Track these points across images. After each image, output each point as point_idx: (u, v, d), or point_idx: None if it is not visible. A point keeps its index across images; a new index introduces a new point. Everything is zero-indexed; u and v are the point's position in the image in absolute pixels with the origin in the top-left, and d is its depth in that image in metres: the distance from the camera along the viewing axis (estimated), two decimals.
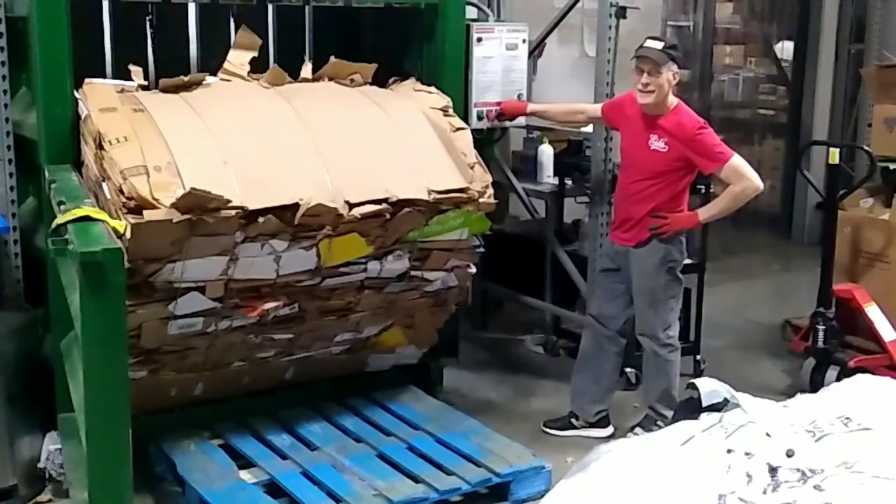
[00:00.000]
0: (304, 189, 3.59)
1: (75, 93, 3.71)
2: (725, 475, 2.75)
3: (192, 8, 4.36)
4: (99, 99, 3.63)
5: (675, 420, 3.32)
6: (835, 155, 4.98)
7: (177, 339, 3.69)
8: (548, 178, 5.62)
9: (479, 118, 4.61)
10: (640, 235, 4.26)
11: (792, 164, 8.10)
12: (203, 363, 3.89)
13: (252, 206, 3.45)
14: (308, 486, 3.67)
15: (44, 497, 3.76)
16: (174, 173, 3.43)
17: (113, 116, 3.56)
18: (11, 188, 4.03)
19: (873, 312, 5.08)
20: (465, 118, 4.43)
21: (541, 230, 5.59)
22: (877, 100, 5.67)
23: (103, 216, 3.05)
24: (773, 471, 2.74)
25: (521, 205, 5.62)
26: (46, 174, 3.64)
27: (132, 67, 3.91)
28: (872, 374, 4.00)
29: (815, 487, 2.66)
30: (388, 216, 3.75)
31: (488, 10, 4.95)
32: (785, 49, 8.82)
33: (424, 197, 3.81)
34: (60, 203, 3.15)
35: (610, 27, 4.79)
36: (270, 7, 4.51)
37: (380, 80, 4.35)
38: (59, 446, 3.81)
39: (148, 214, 3.32)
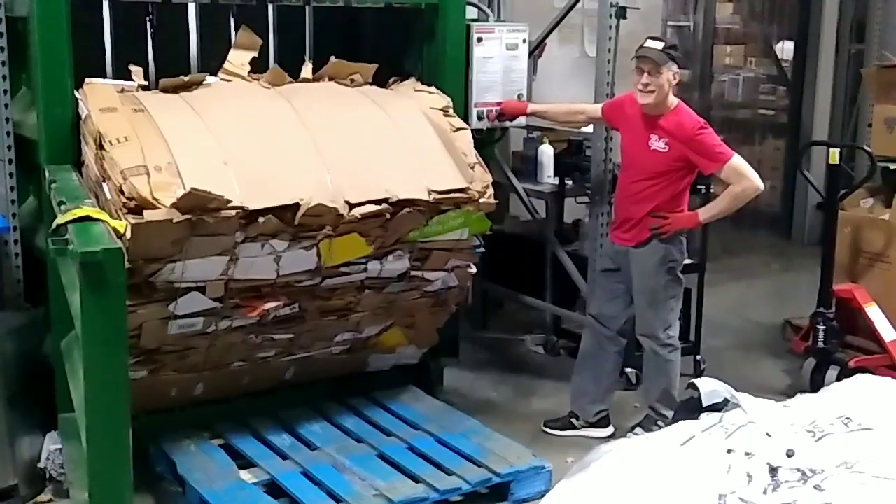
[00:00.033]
0: (304, 189, 3.59)
1: (75, 93, 3.71)
2: (726, 475, 2.75)
3: (192, 8, 4.36)
4: (99, 99, 3.63)
5: (675, 420, 3.32)
6: (835, 155, 4.99)
7: (177, 338, 3.70)
8: (548, 178, 5.63)
9: (480, 118, 4.61)
10: (640, 235, 4.26)
11: (792, 164, 8.10)
12: (203, 363, 3.89)
13: (252, 206, 3.45)
14: (308, 486, 3.67)
15: (44, 497, 3.77)
16: (174, 173, 3.43)
17: (113, 116, 3.56)
18: (12, 188, 4.03)
19: (873, 312, 5.08)
20: (466, 118, 4.43)
21: (541, 230, 5.59)
22: (877, 100, 5.67)
23: (104, 216, 3.05)
24: (773, 471, 2.74)
25: (521, 205, 5.62)
26: (47, 174, 3.64)
27: (132, 67, 3.91)
28: (873, 374, 4.00)
29: (815, 487, 2.66)
30: (388, 216, 3.75)
31: (488, 11, 4.95)
32: (785, 49, 8.82)
33: (425, 197, 3.81)
34: (61, 203, 3.15)
35: (610, 27, 4.79)
36: (271, 7, 4.51)
37: (380, 81, 4.35)
38: (60, 446, 3.82)
39: (148, 214, 3.32)
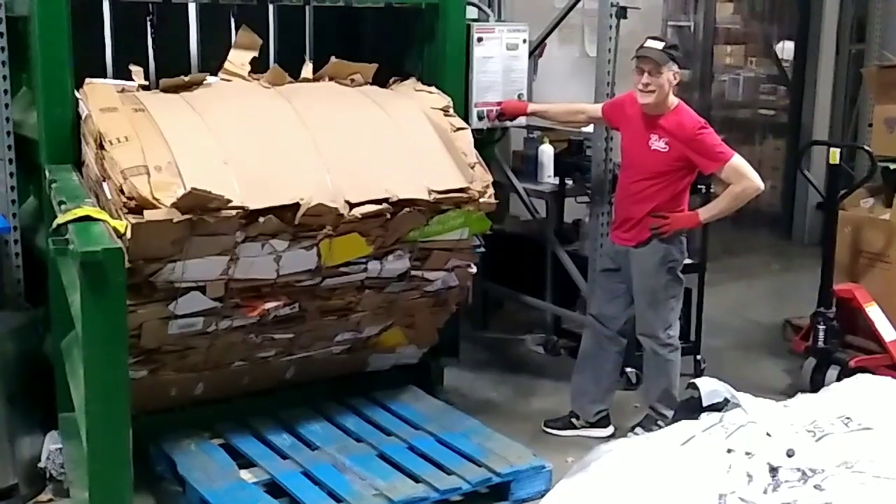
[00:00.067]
0: (304, 189, 3.59)
1: (76, 93, 3.71)
2: (726, 475, 2.75)
3: (192, 8, 4.35)
4: (99, 99, 3.63)
5: (675, 420, 3.32)
6: (835, 155, 4.99)
7: (177, 338, 3.70)
8: (548, 177, 5.62)
9: (480, 118, 4.61)
10: (640, 235, 4.26)
11: (792, 164, 8.10)
12: (203, 363, 3.89)
13: (252, 206, 3.45)
14: (308, 486, 3.67)
15: (44, 496, 3.77)
16: (175, 173, 3.43)
17: (113, 116, 3.56)
18: (12, 188, 4.03)
19: (874, 312, 5.08)
20: (466, 118, 4.43)
21: (541, 230, 5.59)
22: (877, 100, 5.67)
23: (104, 216, 3.05)
24: (773, 470, 2.74)
25: (521, 205, 5.62)
26: (47, 174, 3.64)
27: (133, 67, 3.91)
28: (873, 373, 4.00)
29: (815, 487, 2.66)
30: (388, 216, 3.75)
31: (489, 10, 4.95)
32: (785, 49, 8.82)
33: (425, 197, 3.81)
34: (61, 203, 3.15)
35: (610, 27, 4.79)
36: (271, 7, 4.51)
37: (380, 80, 4.35)
38: (60, 446, 3.82)
39: (148, 214, 3.32)
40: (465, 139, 4.15)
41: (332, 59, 4.25)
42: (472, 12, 4.68)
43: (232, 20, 4.43)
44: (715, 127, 4.34)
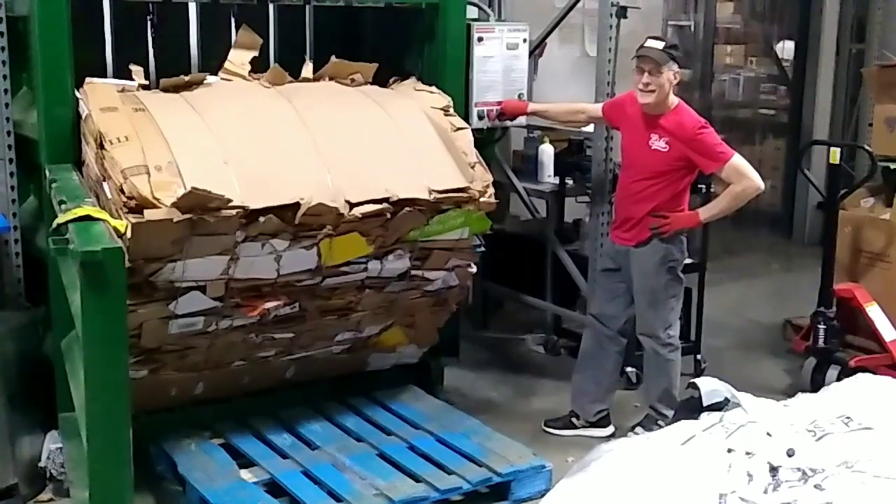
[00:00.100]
0: (304, 188, 3.59)
1: (76, 92, 3.71)
2: (726, 474, 2.75)
3: (192, 7, 4.35)
4: (100, 98, 3.63)
5: (675, 419, 3.31)
6: (835, 155, 4.98)
7: (177, 338, 3.70)
8: (548, 177, 5.62)
9: (480, 118, 4.61)
10: (640, 235, 4.26)
11: (793, 164, 8.10)
12: (203, 362, 3.89)
13: (253, 206, 3.45)
14: (309, 486, 3.67)
15: (45, 496, 3.77)
16: (175, 173, 3.43)
17: (114, 116, 3.56)
18: (12, 188, 4.03)
19: (874, 312, 5.08)
20: (466, 118, 4.43)
21: (541, 230, 5.59)
22: (877, 99, 5.67)
23: (104, 216, 3.05)
24: (773, 470, 2.74)
25: (521, 204, 5.62)
26: (47, 174, 3.64)
27: (133, 67, 3.91)
28: (873, 373, 3.99)
29: (815, 487, 2.66)
30: (388, 216, 3.75)
31: (489, 10, 4.95)
32: (786, 49, 8.82)
33: (425, 196, 3.81)
34: (61, 202, 3.15)
35: (611, 27, 4.79)
36: (271, 6, 4.50)
37: (381, 80, 4.35)
38: (60, 445, 3.82)
39: (149, 214, 3.32)
40: (466, 139, 4.15)
41: (333, 58, 4.25)
42: (472, 12, 4.68)
43: (232, 20, 4.42)
44: (715, 127, 4.34)
